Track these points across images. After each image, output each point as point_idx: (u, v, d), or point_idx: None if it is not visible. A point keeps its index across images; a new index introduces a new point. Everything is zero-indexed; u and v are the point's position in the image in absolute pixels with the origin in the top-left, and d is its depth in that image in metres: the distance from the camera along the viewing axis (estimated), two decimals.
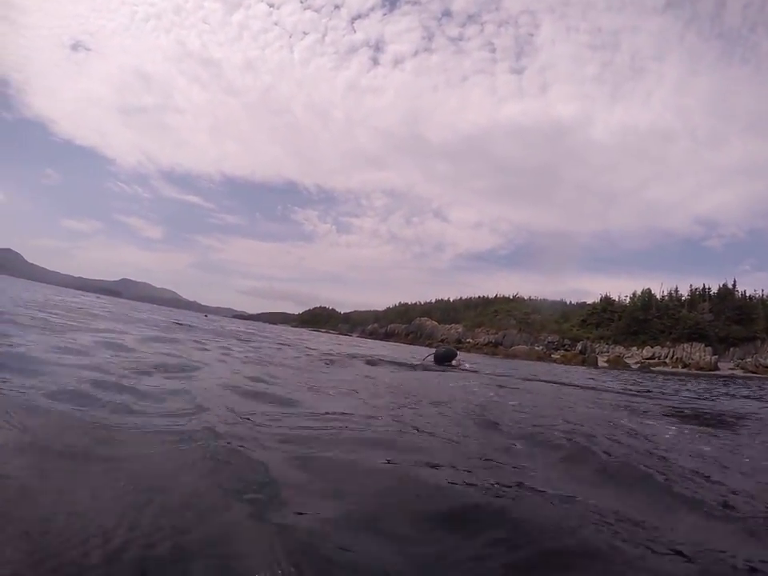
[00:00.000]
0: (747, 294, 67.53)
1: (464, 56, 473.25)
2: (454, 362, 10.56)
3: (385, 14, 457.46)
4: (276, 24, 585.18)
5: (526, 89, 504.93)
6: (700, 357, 53.56)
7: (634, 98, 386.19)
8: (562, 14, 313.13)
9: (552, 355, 62.19)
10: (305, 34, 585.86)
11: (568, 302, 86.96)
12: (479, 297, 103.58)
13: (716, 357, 53.10)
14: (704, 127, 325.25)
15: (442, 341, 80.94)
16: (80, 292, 61.59)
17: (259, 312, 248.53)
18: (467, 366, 10.59)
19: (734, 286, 68.40)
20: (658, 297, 71.57)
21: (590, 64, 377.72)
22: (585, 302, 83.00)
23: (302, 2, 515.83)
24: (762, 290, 69.39)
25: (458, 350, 13.04)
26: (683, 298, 70.77)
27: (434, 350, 11.37)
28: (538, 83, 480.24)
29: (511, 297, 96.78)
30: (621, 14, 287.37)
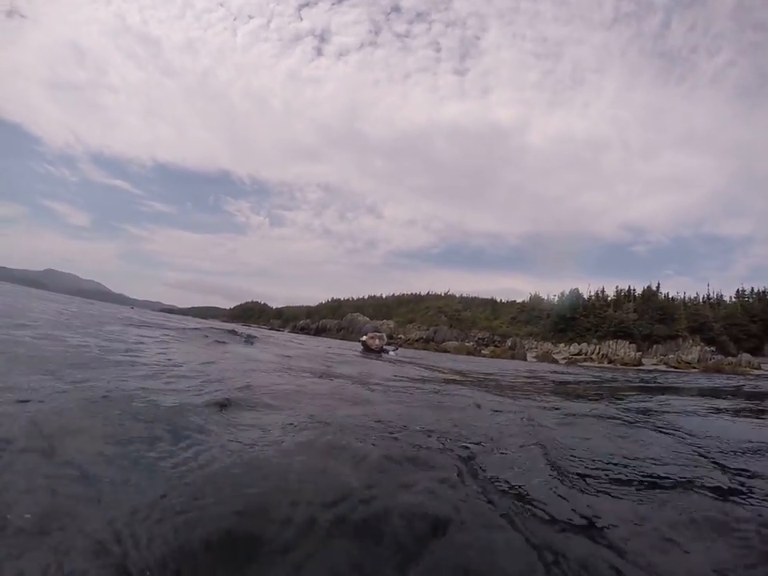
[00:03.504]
0: (670, 296, 69.04)
1: (409, 53, 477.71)
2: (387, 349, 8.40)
3: (333, 4, 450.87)
4: (221, 5, 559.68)
5: (467, 90, 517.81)
6: (625, 353, 53.02)
7: (572, 107, 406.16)
8: (510, 20, 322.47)
9: (482, 351, 60.37)
10: (250, 17, 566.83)
11: (498, 300, 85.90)
12: (411, 293, 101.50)
13: (640, 353, 52.91)
14: (637, 139, 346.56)
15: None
16: None
17: (189, 306, 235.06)
18: (393, 354, 8.28)
19: (658, 287, 69.84)
20: (585, 297, 71.48)
21: (532, 71, 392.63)
22: (515, 301, 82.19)
23: None
24: (684, 293, 71.76)
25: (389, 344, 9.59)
26: (609, 299, 71.22)
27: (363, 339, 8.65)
28: (479, 86, 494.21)
29: (443, 294, 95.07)
30: (567, 26, 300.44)
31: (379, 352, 7.80)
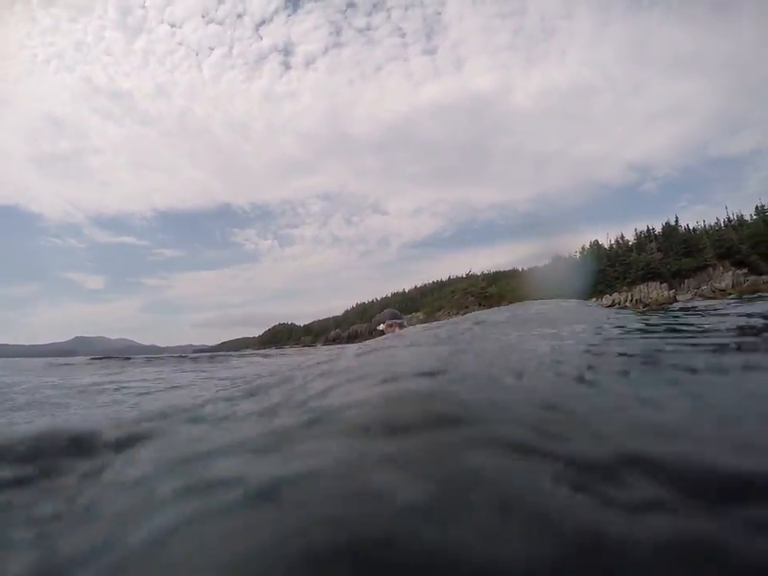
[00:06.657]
0: (691, 227, 68.55)
1: (375, 45, 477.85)
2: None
3: (289, 15, 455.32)
4: (180, 44, 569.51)
5: (441, 68, 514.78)
6: (658, 294, 52.96)
7: (550, 60, 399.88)
8: None
9: None
10: (211, 49, 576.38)
11: (520, 269, 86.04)
12: (433, 281, 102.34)
13: (673, 291, 52.83)
14: (623, 76, 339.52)
15: None
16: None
17: (219, 342, 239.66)
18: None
19: (677, 221, 69.49)
20: (606, 246, 71.51)
21: (501, 33, 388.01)
22: (536, 266, 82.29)
23: (203, 17, 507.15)
24: (704, 221, 70.91)
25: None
26: (630, 243, 71.03)
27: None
28: (452, 60, 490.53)
29: (464, 275, 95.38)
30: None
31: None
